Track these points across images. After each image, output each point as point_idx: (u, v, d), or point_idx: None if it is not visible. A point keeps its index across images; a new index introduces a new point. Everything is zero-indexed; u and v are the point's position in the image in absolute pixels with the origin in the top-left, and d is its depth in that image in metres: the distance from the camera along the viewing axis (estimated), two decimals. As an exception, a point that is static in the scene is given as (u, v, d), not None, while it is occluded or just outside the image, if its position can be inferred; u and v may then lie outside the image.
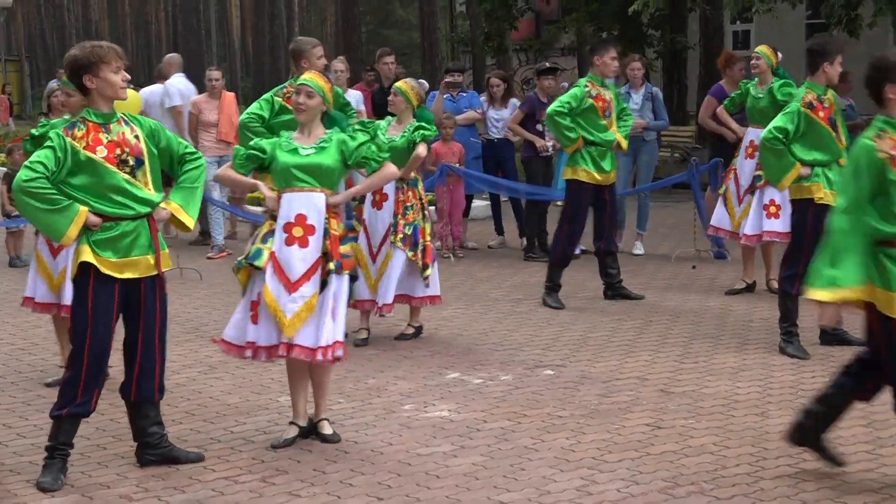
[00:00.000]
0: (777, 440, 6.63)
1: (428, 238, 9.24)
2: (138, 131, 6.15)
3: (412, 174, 9.25)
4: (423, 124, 9.18)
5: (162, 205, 6.20)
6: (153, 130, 6.24)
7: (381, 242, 9.18)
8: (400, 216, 9.11)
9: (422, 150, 9.16)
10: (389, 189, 9.04)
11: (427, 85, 12.91)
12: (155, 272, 6.20)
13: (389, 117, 9.50)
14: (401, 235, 9.06)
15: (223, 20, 50.98)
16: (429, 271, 9.21)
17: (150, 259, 6.15)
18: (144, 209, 6.11)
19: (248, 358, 6.85)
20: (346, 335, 6.91)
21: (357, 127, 8.84)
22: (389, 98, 9.47)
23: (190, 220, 6.32)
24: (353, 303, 9.02)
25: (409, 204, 9.15)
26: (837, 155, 8.59)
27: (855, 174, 5.49)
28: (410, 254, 9.07)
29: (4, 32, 45.45)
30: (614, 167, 10.79)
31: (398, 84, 9.45)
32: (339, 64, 14.07)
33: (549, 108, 10.70)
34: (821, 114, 8.51)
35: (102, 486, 6.11)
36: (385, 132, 9.23)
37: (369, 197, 9.12)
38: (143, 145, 6.12)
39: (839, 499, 5.73)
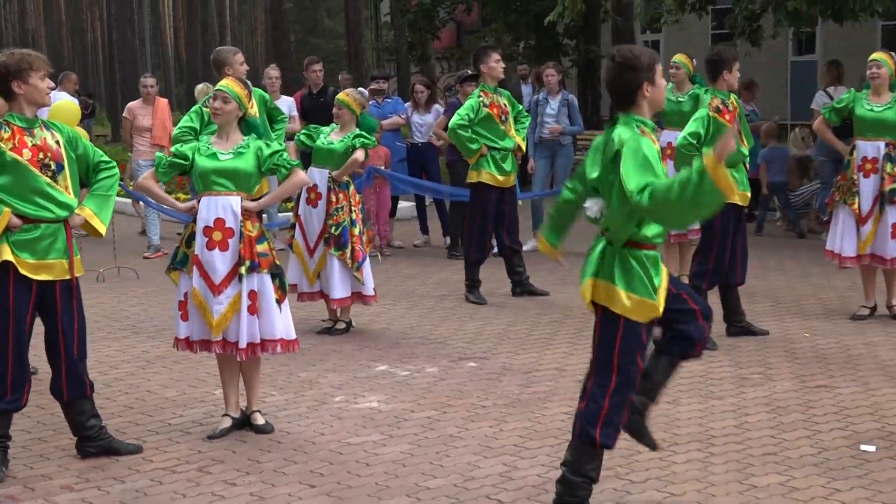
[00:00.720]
0: (687, 426, 6.72)
1: (356, 238, 9.23)
2: (59, 137, 6.13)
3: (345, 177, 9.27)
4: (364, 133, 9.32)
5: (76, 210, 6.17)
6: (72, 138, 6.22)
7: (317, 239, 9.23)
8: (330, 216, 9.13)
9: (360, 154, 9.24)
10: (323, 188, 9.10)
11: (367, 93, 12.88)
12: (69, 276, 6.13)
13: (334, 124, 9.52)
14: (331, 235, 9.10)
15: (157, 29, 50.64)
16: (359, 272, 9.25)
17: (65, 263, 6.10)
18: (63, 213, 6.08)
19: (184, 351, 6.86)
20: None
21: (304, 134, 8.99)
22: (334, 111, 9.52)
23: (102, 227, 6.27)
24: (297, 296, 9.19)
25: (339, 205, 9.16)
26: (743, 157, 8.69)
27: None
28: (338, 253, 9.09)
29: (-58, 40, 44.86)
30: (514, 169, 10.85)
31: (340, 96, 9.53)
32: (273, 71, 14.13)
33: (451, 122, 10.75)
34: (727, 117, 8.58)
35: (44, 478, 6.06)
36: (327, 136, 9.34)
37: (304, 195, 9.18)
38: (63, 151, 6.10)
39: (746, 480, 5.81)
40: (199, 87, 17.37)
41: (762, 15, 15.54)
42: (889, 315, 9.56)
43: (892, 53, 9.89)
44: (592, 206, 5.29)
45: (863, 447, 6.30)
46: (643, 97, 5.26)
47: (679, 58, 11.26)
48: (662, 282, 5.19)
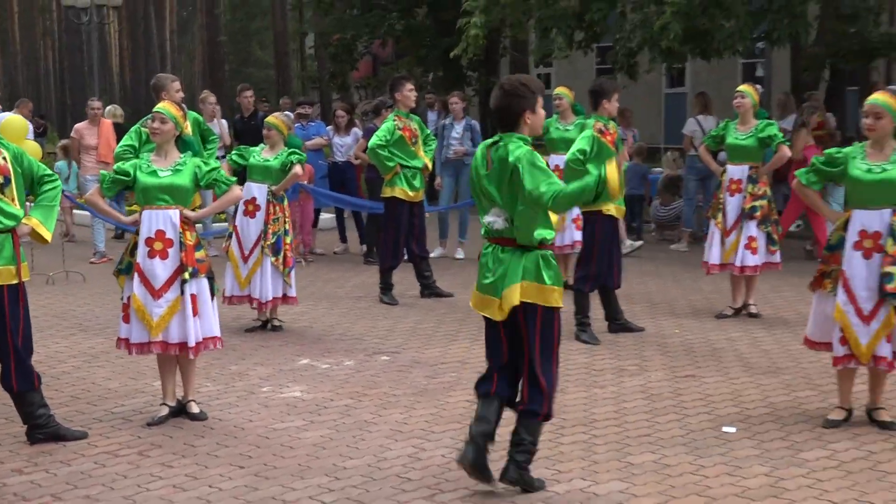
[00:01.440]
0: (572, 412, 6.75)
1: (288, 246, 9.25)
2: (5, 153, 6.06)
3: (282, 191, 9.32)
4: (296, 150, 9.41)
5: (24, 220, 6.09)
6: (17, 154, 6.15)
7: (252, 247, 9.20)
8: (268, 226, 9.12)
9: (298, 169, 9.30)
10: (261, 201, 9.09)
11: (293, 116, 12.91)
12: (16, 280, 6.04)
13: (263, 144, 9.50)
14: (268, 242, 9.09)
15: (104, 57, 49.88)
16: (291, 273, 9.27)
17: (13, 269, 6.02)
18: (11, 223, 6.01)
19: (123, 350, 6.82)
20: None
21: (236, 153, 8.94)
22: (264, 132, 9.51)
23: (48, 234, 6.20)
24: (225, 298, 9.12)
25: (276, 216, 9.15)
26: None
27: None
28: (273, 259, 9.05)
29: None
30: (423, 186, 10.88)
31: (270, 119, 9.57)
32: (211, 97, 14.03)
33: (370, 143, 10.75)
34: (608, 138, 8.67)
35: (-4, 462, 5.95)
36: (260, 155, 9.34)
37: (241, 207, 9.19)
38: (9, 166, 6.03)
39: (624, 459, 5.85)
40: (109, 108, 17.43)
41: (639, 52, 15.69)
42: (746, 314, 9.73)
43: (757, 86, 10.10)
44: (496, 218, 5.28)
45: (724, 429, 6.38)
46: (525, 122, 5.31)
47: (560, 90, 11.35)
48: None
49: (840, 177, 6.37)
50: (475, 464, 5.23)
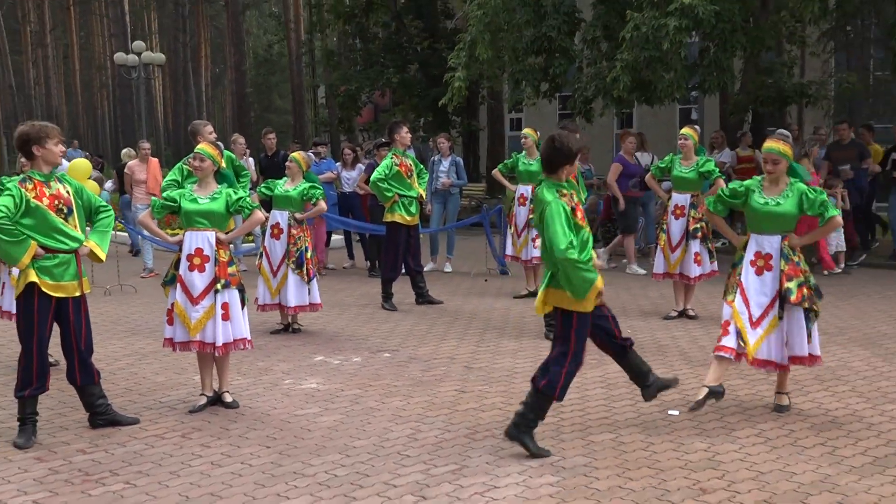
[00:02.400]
0: (544, 399, 6.73)
1: (309, 261, 9.22)
2: (69, 188, 6.09)
3: (306, 218, 9.35)
4: (315, 184, 9.39)
5: (84, 243, 6.10)
6: (78, 189, 6.18)
7: (279, 262, 9.22)
8: (291, 245, 9.11)
9: (323, 205, 9.36)
10: (284, 225, 9.12)
11: (313, 156, 12.93)
12: (79, 293, 6.06)
13: (285, 177, 9.50)
14: (293, 258, 9.12)
15: (150, 106, 49.87)
16: (313, 283, 9.25)
17: (76, 284, 6.03)
18: (74, 245, 6.01)
19: (168, 349, 6.78)
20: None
21: (264, 186, 8.97)
22: (287, 164, 9.53)
23: (103, 254, 6.21)
24: (259, 307, 9.17)
25: (299, 236, 9.17)
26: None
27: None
28: (297, 272, 9.08)
29: (-14, 114, 43.86)
30: (417, 211, 10.87)
31: (293, 155, 9.59)
32: (240, 139, 14.01)
33: (372, 177, 10.78)
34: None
35: (64, 444, 5.93)
36: (283, 187, 9.35)
37: (268, 230, 9.31)
38: (72, 199, 6.06)
39: (586, 438, 5.85)
40: (124, 150, 17.49)
41: (594, 100, 15.76)
42: (686, 317, 9.74)
43: (696, 128, 10.16)
44: None
45: (670, 412, 6.38)
46: (562, 173, 5.57)
47: (526, 130, 11.36)
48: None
49: (742, 206, 6.37)
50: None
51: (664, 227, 9.61)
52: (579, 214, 5.51)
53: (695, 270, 9.43)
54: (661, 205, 10.43)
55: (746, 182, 6.43)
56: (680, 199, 9.55)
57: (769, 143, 6.30)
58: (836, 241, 12.63)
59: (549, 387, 5.46)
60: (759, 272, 6.16)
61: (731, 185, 6.54)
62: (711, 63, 14.31)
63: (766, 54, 16.21)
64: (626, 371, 5.98)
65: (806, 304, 6.10)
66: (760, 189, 6.27)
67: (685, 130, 9.76)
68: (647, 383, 5.95)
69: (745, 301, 6.10)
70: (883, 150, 14.54)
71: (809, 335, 6.18)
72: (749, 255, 6.22)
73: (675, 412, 6.36)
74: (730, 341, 6.08)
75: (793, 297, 6.03)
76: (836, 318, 9.68)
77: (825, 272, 12.33)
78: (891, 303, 10.56)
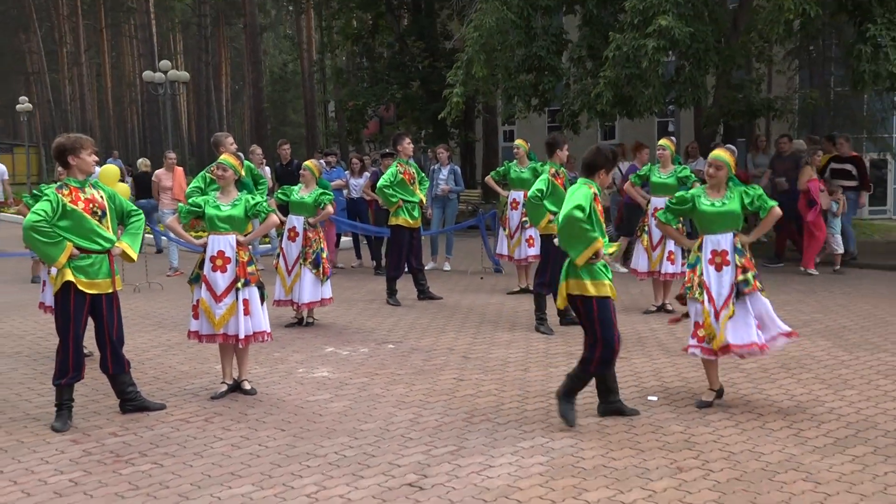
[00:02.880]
0: (534, 385, 6.73)
1: (325, 260, 9.22)
2: (102, 193, 6.08)
3: (318, 221, 9.31)
4: (325, 190, 9.36)
5: (116, 244, 6.08)
6: (111, 195, 6.17)
7: (294, 263, 9.19)
8: (307, 247, 9.11)
9: (330, 209, 9.28)
10: (300, 229, 9.11)
11: (324, 163, 12.96)
12: (111, 290, 6.04)
13: (300, 184, 9.49)
14: (309, 259, 9.08)
15: (176, 120, 49.81)
16: (327, 281, 9.25)
17: (109, 282, 6.01)
18: (107, 245, 6.00)
19: (194, 341, 6.76)
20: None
21: (281, 192, 9.01)
22: (301, 172, 9.52)
23: (134, 255, 6.18)
24: (274, 302, 9.15)
25: (314, 238, 9.15)
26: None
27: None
28: (314, 271, 9.04)
29: (29, 128, 43.66)
30: (419, 215, 10.84)
31: (307, 163, 9.58)
32: (258, 149, 13.99)
33: (378, 184, 10.78)
34: (559, 181, 8.69)
35: (97, 427, 5.92)
36: (298, 193, 9.32)
37: (285, 234, 9.30)
38: (105, 203, 6.05)
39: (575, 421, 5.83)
40: (140, 160, 17.39)
41: (580, 113, 15.75)
42: (664, 311, 9.74)
43: (672, 139, 10.17)
44: None
45: (649, 398, 6.38)
46: (599, 176, 5.78)
47: (518, 141, 11.38)
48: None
49: (690, 212, 6.34)
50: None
51: (645, 228, 9.62)
52: (599, 207, 5.70)
53: (668, 268, 9.47)
54: (640, 209, 10.43)
55: (692, 191, 6.43)
56: (659, 203, 9.53)
57: (716, 152, 6.33)
58: (834, 243, 12.63)
59: (586, 365, 5.71)
60: (718, 268, 6.11)
61: (676, 195, 6.52)
62: (686, 80, 14.32)
63: (736, 72, 16.22)
64: (597, 382, 5.91)
65: (764, 292, 6.10)
66: (705, 194, 6.26)
67: (662, 141, 9.79)
68: (608, 400, 5.91)
69: (711, 298, 6.07)
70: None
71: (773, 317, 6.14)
72: (706, 255, 6.16)
73: (654, 398, 6.35)
74: (706, 343, 6.06)
75: (748, 289, 6.01)
76: (801, 312, 9.68)
77: (802, 269, 12.34)
78: (850, 299, 10.56)
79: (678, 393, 6.50)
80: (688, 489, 4.65)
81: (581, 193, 5.64)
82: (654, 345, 8.18)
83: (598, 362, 5.68)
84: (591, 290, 5.62)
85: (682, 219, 6.78)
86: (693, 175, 9.62)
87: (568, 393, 5.75)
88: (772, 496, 4.54)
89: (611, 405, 5.90)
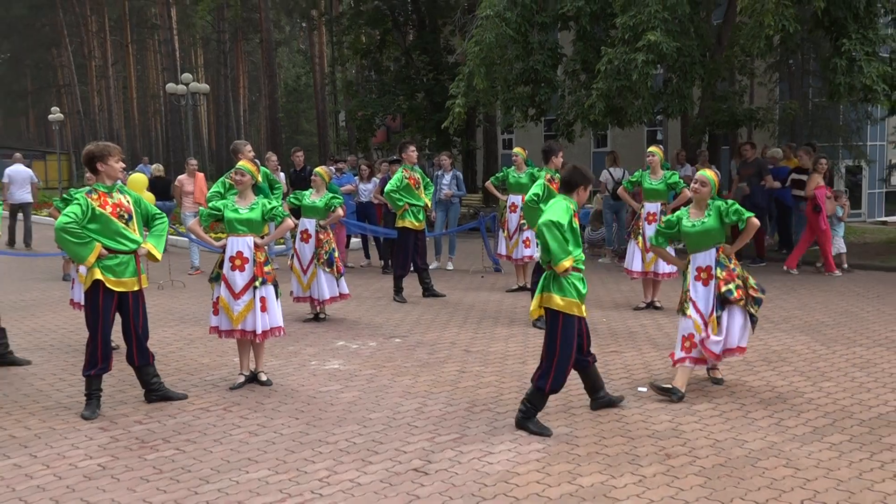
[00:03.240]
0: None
1: (337, 259, 9.22)
2: (129, 198, 6.09)
3: (329, 224, 9.30)
4: (335, 195, 9.35)
5: (142, 244, 6.08)
6: (137, 199, 6.18)
7: (308, 263, 9.20)
8: (320, 248, 9.12)
9: (340, 211, 9.27)
10: (312, 231, 9.10)
11: (334, 169, 12.95)
12: (137, 288, 6.04)
13: (311, 189, 9.48)
14: (323, 260, 9.08)
15: (197, 129, 49.85)
16: (342, 278, 9.25)
17: (135, 280, 6.02)
18: (133, 246, 6.00)
19: (213, 335, 6.75)
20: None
21: (293, 197, 9.01)
22: (312, 177, 9.52)
23: (159, 255, 6.18)
24: (294, 298, 9.20)
25: (326, 240, 9.15)
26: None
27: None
28: (329, 270, 9.07)
29: (60, 136, 43.71)
30: (424, 218, 10.83)
31: (318, 169, 9.57)
32: (273, 156, 13.97)
33: (385, 189, 10.81)
34: (554, 185, 8.63)
35: (123, 415, 5.91)
36: (309, 197, 9.30)
37: (299, 235, 9.29)
38: (132, 207, 6.05)
39: (568, 411, 5.81)
40: (153, 166, 17.26)
41: (574, 123, 15.76)
42: (654, 307, 9.72)
43: (661, 146, 10.14)
44: None
45: (639, 389, 6.36)
46: (577, 193, 5.55)
47: (517, 149, 11.36)
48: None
49: (677, 234, 6.38)
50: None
51: (639, 231, 9.56)
52: (577, 223, 5.50)
53: (663, 268, 9.42)
54: (632, 212, 10.41)
55: (676, 213, 6.46)
56: (651, 207, 9.53)
57: (704, 170, 6.38)
58: (839, 244, 12.57)
59: (541, 382, 5.39)
60: (704, 283, 6.12)
61: (664, 219, 6.54)
62: (674, 91, 14.31)
63: (720, 84, 16.23)
64: (583, 381, 5.83)
65: (742, 303, 6.07)
66: (687, 215, 6.30)
67: (652, 149, 9.77)
68: (597, 396, 5.84)
69: (699, 312, 6.08)
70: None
71: (754, 324, 6.20)
72: (692, 272, 6.19)
73: (644, 389, 6.34)
74: (693, 353, 6.07)
75: (733, 297, 6.01)
76: (782, 308, 9.66)
77: (826, 274, 12.18)
78: (827, 296, 10.54)
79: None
80: (675, 474, 4.64)
81: (560, 207, 5.43)
82: (643, 339, 8.17)
83: (553, 381, 5.36)
84: (560, 305, 5.37)
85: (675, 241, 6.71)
86: (682, 181, 9.60)
87: (525, 419, 5.41)
88: (754, 481, 4.53)
89: (601, 400, 5.85)
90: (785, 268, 12.43)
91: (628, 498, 4.33)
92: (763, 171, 13.48)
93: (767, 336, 8.15)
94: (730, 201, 6.25)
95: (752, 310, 6.17)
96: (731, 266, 6.15)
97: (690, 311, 6.08)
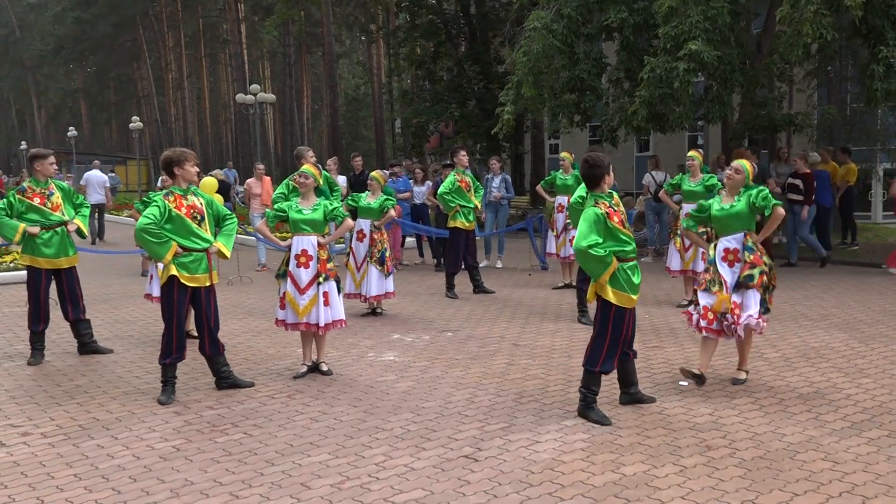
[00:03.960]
0: (577, 371, 6.62)
1: (388, 258, 9.25)
2: (202, 200, 6.16)
3: (383, 224, 9.33)
4: (390, 197, 9.38)
5: (213, 243, 6.16)
6: (209, 201, 6.25)
7: (362, 261, 9.22)
8: (373, 247, 9.14)
9: (392, 213, 9.30)
10: (366, 231, 9.13)
11: (388, 173, 13.01)
12: (209, 283, 6.12)
13: (367, 191, 9.52)
14: (375, 258, 9.11)
15: (264, 136, 50.56)
16: (390, 276, 9.28)
17: (207, 276, 6.10)
18: (206, 245, 6.08)
19: (279, 328, 6.81)
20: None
21: (350, 199, 9.01)
22: (368, 181, 9.56)
23: (228, 252, 6.24)
24: (345, 295, 9.09)
25: (379, 239, 9.19)
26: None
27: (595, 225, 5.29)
28: (380, 268, 9.10)
29: (140, 143, 44.72)
30: (474, 219, 10.80)
31: (373, 173, 9.62)
32: (334, 161, 14.06)
33: (438, 191, 10.80)
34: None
35: (196, 401, 6.00)
36: (365, 199, 9.34)
37: (354, 235, 9.31)
38: (204, 208, 6.13)
39: (611, 402, 5.73)
40: (216, 171, 17.47)
41: (618, 129, 15.57)
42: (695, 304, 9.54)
43: (700, 150, 9.97)
44: None
45: (680, 383, 6.25)
46: (604, 182, 5.38)
47: (564, 154, 11.29)
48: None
49: (708, 218, 6.27)
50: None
51: (678, 232, 9.41)
52: (616, 218, 5.32)
53: (701, 266, 9.25)
54: (673, 214, 10.24)
55: (710, 200, 6.35)
56: (690, 208, 9.35)
57: (739, 159, 6.24)
58: None
59: (590, 365, 5.35)
60: (730, 265, 6.02)
61: (698, 203, 6.45)
62: (714, 98, 14.06)
63: (759, 90, 15.87)
64: (619, 373, 5.68)
65: (760, 290, 5.95)
66: (719, 201, 6.19)
67: (692, 153, 9.61)
68: (628, 391, 5.71)
69: (726, 286, 5.99)
70: (856, 169, 14.08)
71: (764, 311, 6.01)
72: (719, 253, 6.07)
73: (685, 383, 6.22)
74: (715, 325, 5.97)
75: (753, 283, 5.91)
76: (820, 306, 9.41)
77: (892, 271, 11.77)
78: (865, 294, 10.24)
79: (706, 379, 6.35)
80: (715, 466, 4.54)
81: (586, 220, 5.24)
82: (685, 335, 8.03)
83: (602, 364, 5.28)
84: (612, 299, 5.30)
85: (709, 226, 6.58)
86: (720, 183, 9.42)
87: (586, 407, 5.36)
88: (793, 473, 4.41)
89: (632, 395, 5.71)
90: (884, 266, 11.81)
91: (669, 487, 4.26)
92: (765, 176, 13.34)
93: (806, 333, 7.95)
94: (762, 188, 6.09)
95: (766, 297, 6.00)
96: (759, 253, 6.01)
97: (717, 288, 5.93)
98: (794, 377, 6.38)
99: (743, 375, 6.27)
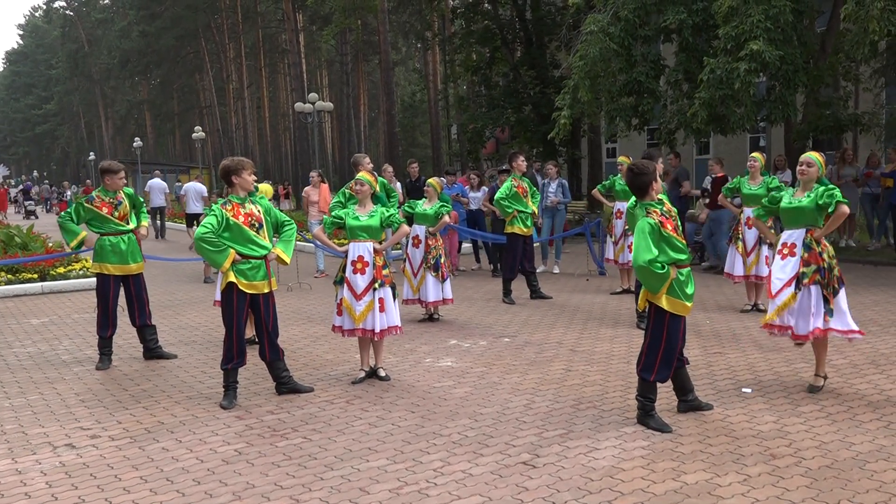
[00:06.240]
0: (636, 378, 6.50)
1: (443, 264, 9.27)
2: (260, 208, 6.24)
3: (437, 230, 9.35)
4: (445, 203, 9.44)
5: (272, 250, 6.23)
6: (267, 208, 6.32)
7: (418, 266, 9.26)
8: (428, 253, 9.18)
9: (447, 218, 9.29)
10: (422, 237, 9.18)
11: (445, 181, 13.06)
12: (268, 290, 6.19)
13: (424, 198, 9.59)
14: (430, 264, 9.16)
15: (322, 144, 51.20)
16: (446, 282, 9.28)
17: (266, 283, 6.17)
18: (264, 252, 6.15)
19: (337, 334, 6.85)
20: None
21: (407, 205, 9.09)
22: (425, 188, 9.63)
23: (287, 258, 6.32)
24: (403, 301, 9.17)
25: (434, 245, 9.21)
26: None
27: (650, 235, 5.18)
28: (434, 274, 9.12)
29: (202, 152, 45.79)
30: (532, 225, 10.74)
31: (430, 180, 9.68)
32: (390, 167, 14.18)
33: (496, 196, 10.76)
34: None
35: (256, 406, 6.09)
36: (422, 206, 9.40)
37: (410, 241, 9.37)
38: (262, 216, 6.20)
39: (673, 410, 5.63)
40: (267, 180, 17.87)
41: (676, 131, 15.36)
42: (757, 310, 9.34)
43: (763, 153, 9.76)
44: None
45: (743, 390, 6.11)
46: (653, 189, 5.32)
47: (622, 158, 11.12)
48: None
49: (776, 210, 6.24)
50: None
51: (740, 236, 9.22)
52: (669, 226, 5.22)
53: (765, 270, 9.04)
54: (734, 217, 10.04)
55: (782, 192, 6.31)
56: (750, 213, 9.16)
57: (811, 152, 6.14)
58: None
59: (644, 374, 5.28)
60: (783, 257, 5.98)
61: (770, 195, 6.42)
62: (777, 99, 13.77)
63: (824, 90, 15.48)
64: (673, 381, 5.56)
65: (818, 284, 5.85)
66: (790, 193, 6.14)
67: (754, 154, 9.43)
68: (686, 399, 5.58)
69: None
70: None
71: (829, 313, 5.86)
72: (779, 245, 6.07)
73: (749, 390, 6.09)
74: (777, 321, 6.00)
75: (806, 280, 5.84)
76: (889, 312, 9.11)
77: None
78: (938, 299, 9.87)
79: (770, 386, 6.21)
80: (781, 475, 4.43)
81: (642, 233, 5.10)
82: (748, 341, 7.86)
83: (657, 373, 5.21)
84: (666, 306, 5.20)
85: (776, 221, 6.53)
86: (782, 185, 9.20)
87: (645, 415, 5.30)
88: (862, 483, 4.28)
89: (689, 403, 5.59)
90: None
91: (733, 497, 4.16)
92: (680, 179, 13.05)
93: (875, 339, 7.71)
94: (832, 186, 5.97)
95: (827, 294, 5.84)
96: (819, 250, 5.89)
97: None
98: (862, 384, 6.18)
99: (821, 382, 6.09)
